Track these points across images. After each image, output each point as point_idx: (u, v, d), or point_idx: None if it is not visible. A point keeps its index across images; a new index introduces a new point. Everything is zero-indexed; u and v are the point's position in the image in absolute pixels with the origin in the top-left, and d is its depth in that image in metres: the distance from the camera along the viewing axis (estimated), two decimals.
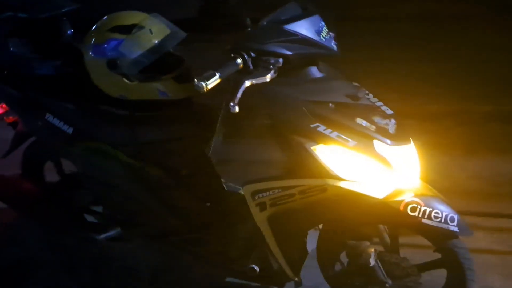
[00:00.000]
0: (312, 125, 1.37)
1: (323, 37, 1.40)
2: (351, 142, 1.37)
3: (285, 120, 1.39)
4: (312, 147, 1.37)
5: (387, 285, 1.63)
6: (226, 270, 1.83)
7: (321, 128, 1.37)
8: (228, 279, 1.91)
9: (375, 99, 1.53)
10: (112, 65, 1.68)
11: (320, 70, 1.48)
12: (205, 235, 1.77)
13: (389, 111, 1.51)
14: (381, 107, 1.51)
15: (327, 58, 1.50)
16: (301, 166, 1.40)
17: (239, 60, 1.29)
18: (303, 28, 1.37)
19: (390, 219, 1.51)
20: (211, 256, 1.79)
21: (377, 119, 1.45)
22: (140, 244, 2.02)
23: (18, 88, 1.84)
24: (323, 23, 1.42)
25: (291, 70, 1.43)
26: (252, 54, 1.30)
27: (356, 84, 1.54)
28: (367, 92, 1.53)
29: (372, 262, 1.54)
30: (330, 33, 1.45)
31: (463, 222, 1.48)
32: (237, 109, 1.23)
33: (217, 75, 1.22)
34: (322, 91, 1.44)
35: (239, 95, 1.23)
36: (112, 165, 1.75)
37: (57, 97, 1.79)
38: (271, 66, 1.28)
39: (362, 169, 1.38)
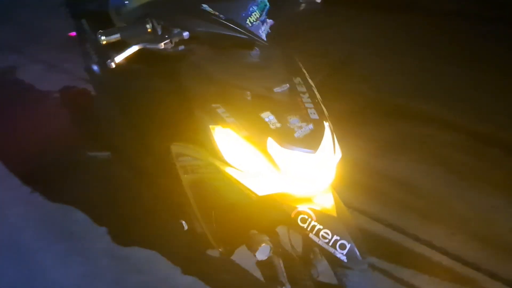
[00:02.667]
0: (213, 105, 1.36)
1: (250, 21, 1.34)
2: (244, 132, 1.33)
3: (194, 94, 1.40)
4: (211, 126, 1.36)
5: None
6: (163, 219, 1.96)
7: (221, 110, 1.35)
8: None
9: (309, 100, 1.43)
10: (117, 12, 1.84)
11: (254, 56, 1.42)
12: (159, 181, 1.91)
13: (315, 116, 1.40)
14: (309, 109, 1.41)
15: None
16: (204, 141, 1.42)
17: (148, 25, 1.33)
18: (225, 10, 1.32)
19: (281, 221, 1.46)
20: (159, 203, 1.94)
21: (292, 119, 1.37)
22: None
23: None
24: (255, 8, 1.35)
25: (229, 49, 1.42)
26: (162, 23, 1.32)
27: (298, 80, 1.45)
28: (303, 90, 1.44)
29: (261, 256, 1.52)
30: (268, 20, 1.37)
31: (354, 252, 1.35)
32: (113, 65, 1.29)
33: (118, 34, 1.29)
34: (244, 77, 1.40)
35: (123, 54, 1.28)
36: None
37: None
38: (167, 36, 1.29)
39: (248, 161, 1.34)
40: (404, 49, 3.84)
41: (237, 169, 1.36)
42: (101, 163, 2.22)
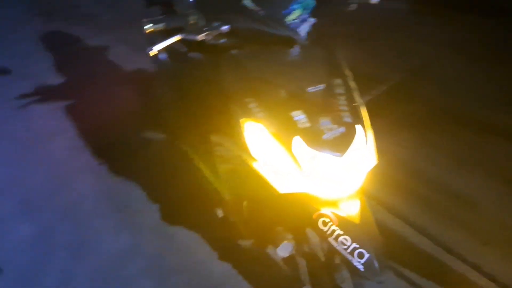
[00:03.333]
0: (246, 99, 1.38)
1: (290, 19, 1.34)
2: (272, 128, 1.34)
3: (230, 87, 1.43)
4: (241, 120, 1.39)
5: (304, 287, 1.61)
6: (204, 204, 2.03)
7: (253, 105, 1.37)
8: None
9: (345, 103, 1.40)
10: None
11: (293, 55, 1.42)
12: (201, 167, 1.98)
13: (348, 119, 1.37)
14: (343, 112, 1.39)
15: None
16: (235, 133, 1.45)
17: (191, 17, 1.38)
18: (266, 6, 1.33)
19: (303, 221, 1.45)
20: (201, 189, 2.01)
21: (323, 120, 1.36)
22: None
23: None
24: (297, 6, 1.34)
25: (268, 45, 1.44)
26: (204, 16, 1.37)
27: (338, 82, 1.43)
28: (341, 93, 1.42)
29: (282, 253, 1.53)
30: (310, 19, 1.36)
31: (372, 263, 1.31)
32: (152, 52, 1.36)
33: (162, 24, 1.36)
34: (280, 74, 1.40)
35: (164, 43, 1.35)
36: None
37: None
38: (207, 28, 1.33)
39: (272, 157, 1.35)
40: (495, 56, 3.55)
41: (262, 164, 1.37)
42: (159, 144, 2.35)
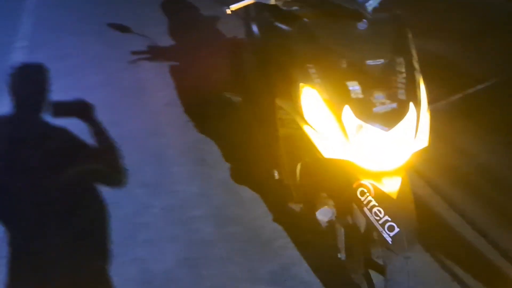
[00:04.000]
0: (308, 65, 1.47)
1: None
2: (326, 95, 1.42)
3: (296, 52, 1.53)
4: (300, 84, 1.49)
5: (339, 255, 1.69)
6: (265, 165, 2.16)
7: (312, 70, 1.46)
8: None
9: (404, 81, 1.43)
10: None
11: (360, 28, 1.48)
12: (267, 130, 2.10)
13: (402, 97, 1.41)
14: (400, 89, 1.42)
15: None
16: (294, 97, 1.55)
17: None
18: None
19: (342, 187, 1.51)
20: (265, 150, 2.14)
21: (378, 94, 1.41)
22: None
23: None
24: None
25: (337, 17, 1.51)
26: None
27: (400, 60, 1.46)
28: (402, 71, 1.45)
29: (320, 217, 1.62)
30: None
31: (401, 238, 1.35)
32: (228, 11, 1.49)
33: None
34: (344, 45, 1.47)
35: (239, 4, 1.48)
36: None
37: None
38: None
39: (322, 122, 1.43)
40: None
41: (312, 128, 1.47)
42: (236, 106, 2.55)
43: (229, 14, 1.53)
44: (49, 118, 2.86)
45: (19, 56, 3.68)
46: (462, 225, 2.10)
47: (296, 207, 2.00)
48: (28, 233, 2.13)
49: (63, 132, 2.70)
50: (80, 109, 2.89)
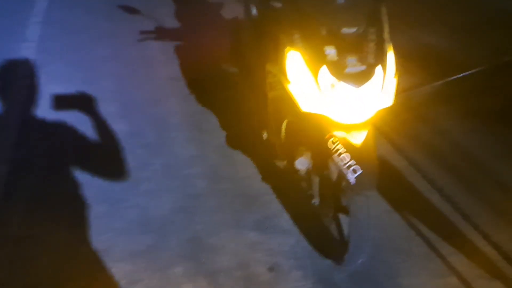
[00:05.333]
0: (293, 31, 1.70)
1: None
2: (307, 56, 1.66)
3: (284, 21, 1.76)
4: (286, 48, 1.73)
5: (313, 201, 1.93)
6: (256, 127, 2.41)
7: (297, 36, 1.69)
8: None
9: (374, 48, 1.67)
10: None
11: (339, 1, 1.71)
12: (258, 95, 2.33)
13: (371, 60, 1.64)
14: (369, 54, 1.65)
15: None
16: (281, 60, 1.79)
17: None
18: None
19: (317, 139, 1.74)
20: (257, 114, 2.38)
21: (350, 58, 1.64)
22: None
23: None
24: None
25: None
26: None
27: (373, 30, 1.69)
28: (373, 39, 1.68)
29: (299, 166, 1.85)
30: None
31: (363, 179, 1.59)
32: None
33: None
34: (326, 15, 1.70)
35: None
36: None
37: None
38: None
39: (302, 81, 1.67)
40: None
41: (293, 85, 1.70)
42: (233, 76, 2.80)
43: None
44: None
45: (34, 31, 3.91)
46: (429, 190, 2.34)
47: (281, 163, 2.23)
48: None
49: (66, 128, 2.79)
50: (82, 102, 2.96)
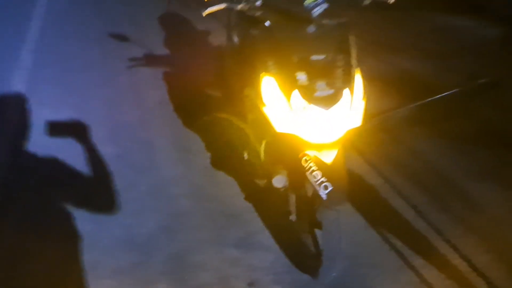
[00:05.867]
0: (268, 59, 1.84)
1: (307, 3, 1.79)
2: (280, 82, 1.79)
3: (259, 49, 1.90)
4: (261, 74, 1.86)
5: (290, 217, 2.03)
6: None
7: (271, 63, 1.83)
8: None
9: (342, 73, 1.80)
10: None
11: (310, 30, 1.85)
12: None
13: (339, 85, 1.77)
14: (337, 79, 1.79)
15: None
16: (256, 85, 1.91)
17: None
18: None
19: (292, 158, 1.85)
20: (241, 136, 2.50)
21: (319, 82, 1.77)
22: None
23: None
24: None
25: (292, 21, 1.89)
26: None
27: (341, 57, 1.83)
28: (341, 65, 1.82)
29: (276, 184, 1.96)
30: (324, 4, 1.80)
31: (334, 195, 1.70)
32: (204, 14, 1.86)
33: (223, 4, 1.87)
34: (297, 44, 1.84)
35: (212, 8, 1.84)
36: None
37: None
38: (245, 2, 1.82)
39: (276, 104, 1.79)
40: None
41: (268, 108, 1.83)
42: (216, 101, 2.93)
43: (204, 16, 1.90)
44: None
45: (26, 59, 4.04)
46: (404, 207, 2.46)
47: (261, 182, 2.33)
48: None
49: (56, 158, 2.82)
50: (73, 126, 3.04)
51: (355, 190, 2.46)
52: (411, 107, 3.32)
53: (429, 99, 3.37)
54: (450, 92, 3.44)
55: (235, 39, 2.55)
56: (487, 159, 2.83)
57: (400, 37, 4.50)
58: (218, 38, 4.27)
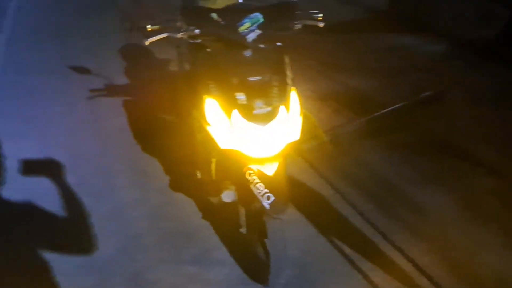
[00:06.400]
0: (209, 82, 1.97)
1: (242, 29, 1.94)
2: (221, 102, 1.92)
3: (201, 73, 2.04)
4: (204, 96, 1.99)
5: (241, 230, 2.14)
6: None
7: (212, 86, 1.96)
8: None
9: (277, 92, 1.94)
10: None
11: (247, 54, 2.00)
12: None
13: (276, 103, 1.91)
14: (274, 97, 1.93)
15: None
16: (201, 106, 2.04)
17: (178, 23, 2.01)
18: (226, 19, 1.95)
19: (237, 173, 1.97)
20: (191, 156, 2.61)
21: (257, 101, 1.91)
22: None
23: None
24: (247, 20, 1.94)
25: (229, 46, 2.03)
26: (184, 22, 2.00)
27: (276, 77, 1.98)
28: (276, 84, 1.96)
29: (225, 199, 2.07)
30: (257, 30, 1.95)
31: (276, 204, 1.82)
32: (146, 43, 2.00)
33: (157, 26, 2.00)
34: (235, 67, 1.97)
35: (154, 38, 1.97)
36: None
37: None
38: (183, 30, 1.95)
39: (219, 123, 1.92)
40: None
41: (212, 127, 1.95)
42: (171, 124, 3.04)
43: (147, 45, 2.03)
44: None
45: None
46: (352, 215, 2.60)
47: (214, 199, 2.44)
48: None
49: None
50: (49, 168, 3.06)
51: (306, 201, 2.63)
52: (360, 121, 3.50)
53: (377, 113, 3.56)
54: (396, 106, 3.65)
55: (185, 65, 2.69)
56: (429, 166, 3.03)
57: (349, 58, 4.74)
58: (175, 65, 4.42)
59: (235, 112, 1.88)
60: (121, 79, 4.35)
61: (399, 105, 3.66)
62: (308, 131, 3.18)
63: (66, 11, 6.83)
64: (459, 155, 3.13)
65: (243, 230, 2.14)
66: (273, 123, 1.88)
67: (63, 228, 2.53)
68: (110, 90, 4.11)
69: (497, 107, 3.76)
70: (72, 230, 2.52)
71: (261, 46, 2.04)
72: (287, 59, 2.07)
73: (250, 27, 1.96)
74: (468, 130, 3.43)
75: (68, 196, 2.74)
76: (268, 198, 1.82)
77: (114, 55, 4.97)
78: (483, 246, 2.38)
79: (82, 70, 4.11)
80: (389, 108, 3.62)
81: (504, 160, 3.04)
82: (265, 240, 2.04)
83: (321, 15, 2.14)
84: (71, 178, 2.93)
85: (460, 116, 3.63)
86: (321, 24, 2.15)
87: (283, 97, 1.95)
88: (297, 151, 3.08)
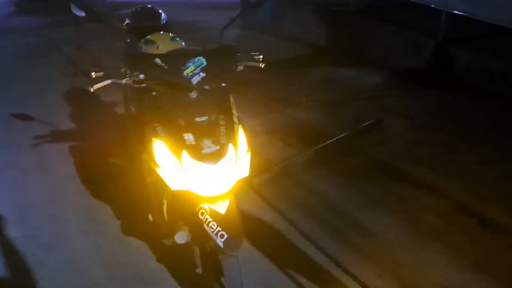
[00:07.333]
0: (156, 125, 2.02)
1: (186, 73, 2.02)
2: (170, 144, 1.96)
3: (147, 116, 2.08)
4: (152, 139, 2.03)
5: (196, 270, 2.15)
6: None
7: (159, 128, 2.00)
8: None
9: (224, 131, 2.01)
10: None
11: (192, 96, 2.06)
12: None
13: (223, 141, 1.98)
14: (221, 136, 2.00)
15: None
16: (149, 149, 2.07)
17: (122, 69, 2.07)
18: (170, 63, 2.03)
19: (190, 212, 2.00)
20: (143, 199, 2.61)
21: (206, 141, 1.97)
22: None
23: None
24: (191, 64, 2.03)
25: (174, 89, 2.09)
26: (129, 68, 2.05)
27: (222, 117, 2.05)
28: (223, 124, 2.03)
29: (179, 240, 2.09)
30: (201, 73, 2.04)
31: (230, 242, 1.86)
32: (91, 90, 2.03)
33: (101, 72, 2.03)
34: (181, 108, 2.03)
35: (99, 85, 2.01)
36: None
37: None
38: (128, 75, 2.01)
39: (168, 164, 1.95)
40: None
41: (161, 169, 1.99)
42: (121, 168, 3.03)
43: (92, 91, 2.05)
44: None
45: None
46: (306, 244, 2.67)
47: (168, 241, 2.43)
48: None
49: None
50: None
51: (260, 235, 2.68)
52: (309, 152, 3.63)
53: (323, 143, 3.71)
54: (341, 135, 3.82)
55: (132, 108, 2.72)
56: (374, 189, 3.18)
57: (294, 91, 4.93)
58: (122, 108, 4.42)
59: (184, 153, 1.93)
60: (68, 124, 4.29)
61: (343, 134, 3.84)
62: (258, 165, 3.27)
63: (8, 57, 6.72)
64: (401, 178, 3.31)
65: (199, 270, 2.15)
66: (222, 161, 1.94)
67: (11, 283, 2.43)
68: (56, 136, 4.05)
69: (433, 130, 4.03)
70: (21, 285, 2.42)
71: (206, 87, 2.12)
72: (232, 99, 2.15)
73: (194, 71, 2.04)
74: (407, 153, 3.65)
75: (13, 251, 2.65)
76: (222, 236, 1.86)
77: (60, 100, 4.92)
78: (428, 264, 2.51)
79: (26, 118, 4.04)
80: (335, 138, 3.78)
81: (442, 180, 3.25)
82: (222, 278, 2.07)
83: (261, 56, 2.26)
84: (18, 231, 2.83)
85: (399, 141, 3.86)
86: (262, 65, 2.27)
87: (230, 135, 2.02)
88: (249, 185, 3.14)
